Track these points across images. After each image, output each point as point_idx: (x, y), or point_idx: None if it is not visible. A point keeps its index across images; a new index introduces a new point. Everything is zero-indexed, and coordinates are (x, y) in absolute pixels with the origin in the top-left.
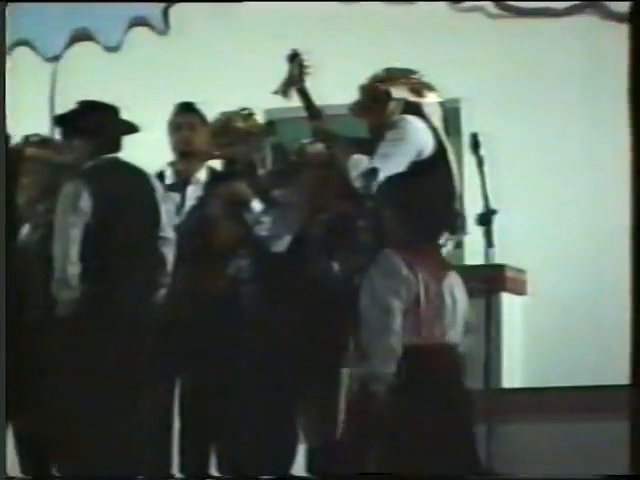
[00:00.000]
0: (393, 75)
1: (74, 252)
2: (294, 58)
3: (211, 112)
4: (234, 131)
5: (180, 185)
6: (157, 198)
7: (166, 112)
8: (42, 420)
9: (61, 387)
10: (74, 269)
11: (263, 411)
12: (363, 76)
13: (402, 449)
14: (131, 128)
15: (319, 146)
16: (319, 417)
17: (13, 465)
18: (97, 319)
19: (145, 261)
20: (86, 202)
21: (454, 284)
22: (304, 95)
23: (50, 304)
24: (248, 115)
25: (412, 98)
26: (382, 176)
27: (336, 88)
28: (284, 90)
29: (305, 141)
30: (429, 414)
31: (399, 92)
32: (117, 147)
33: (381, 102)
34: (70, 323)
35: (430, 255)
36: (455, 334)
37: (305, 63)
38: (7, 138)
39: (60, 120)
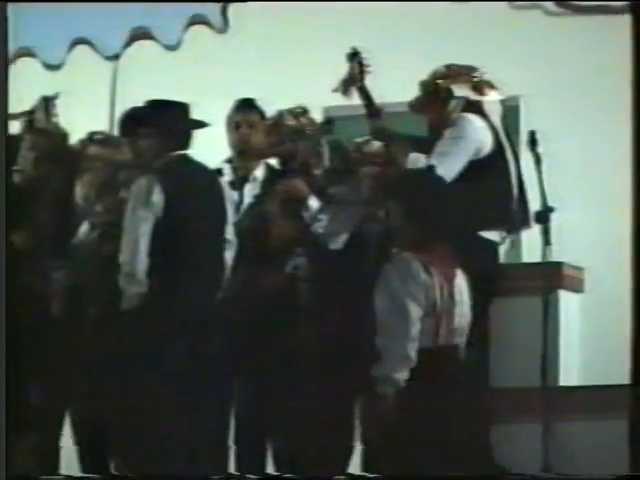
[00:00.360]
0: (454, 72)
1: (143, 247)
2: (354, 57)
3: (270, 109)
4: (285, 129)
5: (238, 183)
6: (225, 197)
7: (225, 110)
8: (103, 415)
9: (121, 381)
10: (143, 263)
11: (320, 409)
12: (422, 74)
13: (410, 451)
14: (199, 124)
15: (377, 144)
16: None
17: (69, 463)
18: (162, 314)
19: (211, 258)
20: (158, 197)
21: (462, 284)
22: (364, 93)
23: (111, 299)
24: (301, 112)
25: (473, 96)
26: (439, 174)
27: (395, 86)
28: (344, 88)
29: (363, 139)
30: (441, 417)
31: (460, 90)
32: (186, 144)
33: (442, 99)
34: (135, 317)
35: (443, 255)
36: (464, 335)
37: (365, 62)
38: (6, 138)
39: (130, 117)
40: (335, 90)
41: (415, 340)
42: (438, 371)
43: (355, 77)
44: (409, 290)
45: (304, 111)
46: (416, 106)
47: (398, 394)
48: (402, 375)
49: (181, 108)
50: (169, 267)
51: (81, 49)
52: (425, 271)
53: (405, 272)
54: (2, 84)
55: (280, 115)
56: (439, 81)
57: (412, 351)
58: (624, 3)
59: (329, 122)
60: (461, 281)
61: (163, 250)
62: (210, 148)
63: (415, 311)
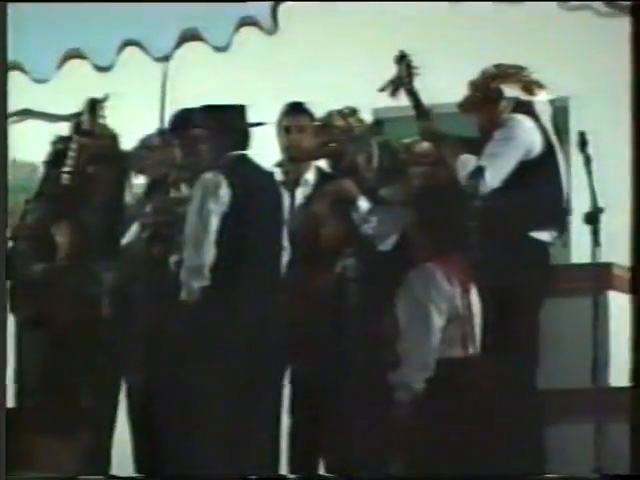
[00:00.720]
0: (504, 72)
1: (211, 241)
2: (402, 59)
3: (319, 111)
4: (334, 129)
5: (290, 186)
6: (282, 198)
7: (275, 111)
8: (160, 412)
9: (178, 376)
10: (209, 258)
11: (371, 411)
12: (471, 74)
13: (423, 457)
14: (257, 123)
15: (426, 144)
16: None
17: (121, 463)
18: (222, 309)
19: (269, 257)
20: (225, 191)
21: (475, 296)
22: (412, 95)
23: (163, 297)
24: (350, 113)
25: (523, 96)
26: (489, 175)
27: (444, 86)
28: (392, 90)
29: (412, 140)
30: (456, 425)
31: (511, 90)
32: (245, 144)
33: (492, 100)
34: (196, 311)
35: (460, 266)
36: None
37: (412, 64)
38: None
39: (183, 119)
40: (382, 89)
41: (435, 350)
42: (457, 380)
43: (403, 79)
44: (432, 298)
45: (353, 112)
46: (466, 106)
47: (415, 401)
48: (420, 384)
49: (239, 109)
50: (232, 263)
51: (131, 51)
52: (447, 281)
53: (429, 280)
54: (2, 84)
55: (329, 116)
56: (490, 80)
57: (431, 360)
58: None
59: (378, 123)
60: (475, 294)
61: (227, 245)
62: (260, 150)
63: (437, 320)
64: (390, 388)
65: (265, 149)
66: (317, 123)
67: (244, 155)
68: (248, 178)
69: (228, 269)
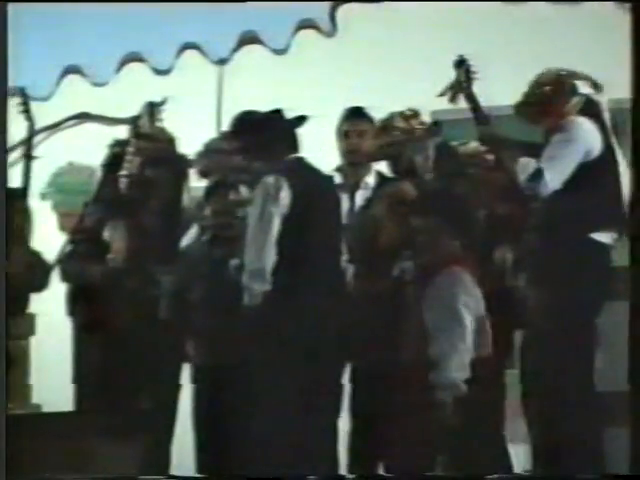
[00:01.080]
0: (564, 75)
1: (271, 244)
2: (461, 64)
3: (377, 114)
4: (395, 130)
5: (349, 189)
6: (340, 201)
7: (334, 115)
8: (222, 414)
9: (240, 379)
10: (270, 261)
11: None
12: (528, 77)
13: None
14: (301, 119)
15: (483, 148)
16: None
17: (180, 463)
18: (284, 313)
19: (329, 260)
20: (286, 194)
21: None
22: (471, 100)
23: (223, 299)
24: (412, 115)
25: (582, 99)
26: (549, 177)
27: (501, 89)
28: (451, 95)
29: (470, 142)
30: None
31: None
32: (296, 147)
33: (564, 95)
34: (258, 315)
35: (476, 269)
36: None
37: (472, 69)
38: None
39: (242, 123)
40: (441, 94)
41: (470, 348)
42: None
43: (462, 84)
44: (463, 299)
45: (415, 114)
46: (523, 109)
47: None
48: (460, 381)
49: (279, 113)
50: (293, 266)
51: (190, 54)
52: (474, 283)
53: (459, 284)
54: (2, 84)
55: (391, 117)
56: (560, 77)
57: (467, 357)
58: None
59: (437, 124)
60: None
61: (288, 249)
62: (319, 154)
63: (469, 320)
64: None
65: (321, 152)
66: (379, 124)
67: (302, 158)
68: (307, 181)
69: (289, 273)
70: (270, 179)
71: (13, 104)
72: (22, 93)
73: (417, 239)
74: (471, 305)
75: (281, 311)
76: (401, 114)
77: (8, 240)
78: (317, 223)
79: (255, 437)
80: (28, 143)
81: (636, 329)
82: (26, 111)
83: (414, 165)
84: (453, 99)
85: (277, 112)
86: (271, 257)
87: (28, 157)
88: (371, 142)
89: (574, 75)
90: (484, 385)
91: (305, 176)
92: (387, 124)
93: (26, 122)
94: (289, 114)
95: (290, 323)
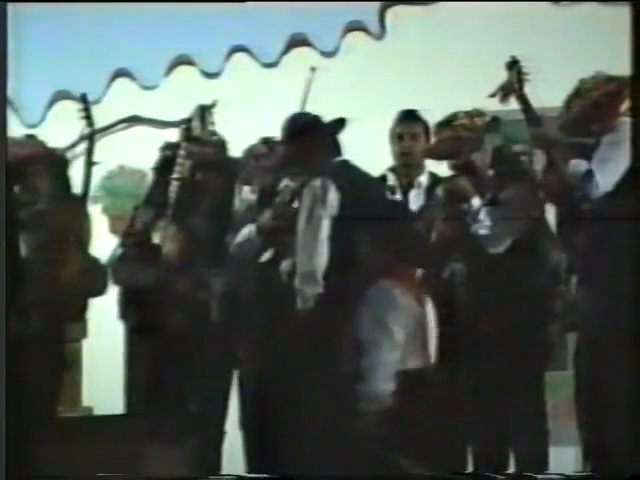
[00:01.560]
0: (615, 77)
1: (323, 247)
2: (513, 65)
3: (428, 117)
4: (457, 127)
5: (403, 188)
6: (389, 199)
7: (382, 116)
8: (274, 415)
9: (293, 381)
10: (322, 264)
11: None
12: (576, 78)
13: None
14: (341, 122)
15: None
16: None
17: (230, 463)
18: (336, 316)
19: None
20: (334, 195)
21: (431, 310)
22: (523, 101)
23: (275, 303)
24: (476, 114)
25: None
26: (600, 179)
27: (551, 90)
28: (502, 96)
29: (524, 145)
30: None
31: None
32: (339, 150)
33: (616, 98)
34: (310, 318)
35: (414, 281)
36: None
37: (524, 70)
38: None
39: (293, 126)
40: (492, 95)
41: (397, 361)
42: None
43: (514, 85)
44: (391, 313)
45: (479, 113)
46: (575, 110)
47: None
48: (385, 392)
49: (317, 117)
50: (343, 268)
51: (239, 57)
52: (405, 297)
53: (388, 298)
54: (2, 85)
55: (454, 115)
56: (598, 88)
57: (395, 369)
58: None
59: (495, 120)
60: (430, 307)
61: (339, 249)
62: (371, 156)
63: (400, 334)
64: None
65: (370, 155)
66: (440, 121)
67: (347, 161)
68: (355, 183)
69: (341, 275)
70: (317, 182)
71: (74, 109)
72: (83, 99)
73: (355, 252)
74: (401, 320)
75: (333, 314)
76: (466, 112)
77: (68, 245)
78: (366, 224)
79: (305, 439)
80: (89, 149)
81: None
82: (87, 117)
83: (472, 162)
84: (504, 100)
85: (318, 117)
86: (323, 260)
87: (89, 163)
88: (424, 147)
89: (624, 78)
90: (418, 395)
91: (353, 178)
92: (450, 120)
93: (87, 128)
94: (333, 117)
95: (342, 326)
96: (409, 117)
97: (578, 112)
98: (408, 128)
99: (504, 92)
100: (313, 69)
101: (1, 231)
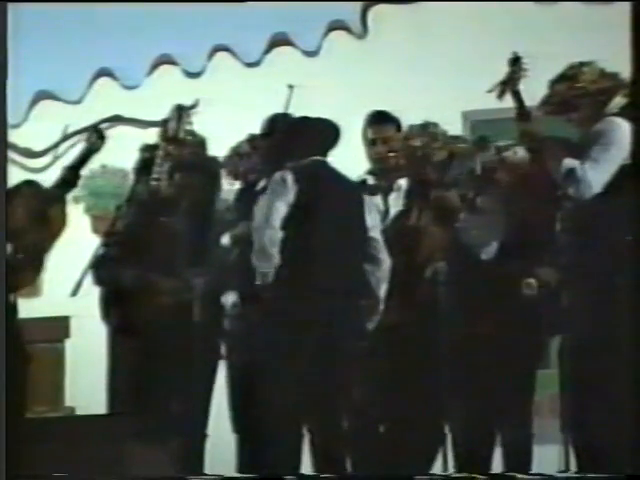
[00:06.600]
0: (604, 73)
1: (272, 226)
2: (515, 61)
3: (408, 117)
4: (420, 140)
5: (382, 191)
6: (361, 197)
7: (364, 117)
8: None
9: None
10: (275, 242)
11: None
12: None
13: None
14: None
15: (520, 149)
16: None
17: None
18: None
19: (345, 260)
20: (290, 183)
21: None
22: (517, 97)
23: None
24: (434, 126)
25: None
26: (591, 180)
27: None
28: (500, 91)
29: (508, 144)
30: None
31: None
32: (320, 151)
33: (614, 87)
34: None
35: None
36: None
37: (524, 66)
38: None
39: (275, 125)
40: (490, 91)
41: None
42: None
43: (513, 81)
44: None
45: (435, 125)
46: (564, 106)
47: None
48: None
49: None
50: (300, 249)
51: (221, 56)
52: None
53: None
54: (2, 85)
55: (414, 129)
56: (588, 83)
57: None
58: None
59: (483, 140)
60: None
61: (294, 230)
62: (351, 157)
63: None
64: None
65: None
66: (413, 130)
67: (321, 160)
68: (321, 180)
69: (295, 254)
70: (277, 175)
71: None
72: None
73: None
74: None
75: (289, 294)
76: (422, 127)
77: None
78: (331, 222)
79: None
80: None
81: None
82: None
83: (457, 175)
84: (501, 95)
85: (304, 117)
86: (275, 239)
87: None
88: (399, 155)
89: (605, 78)
90: None
91: (320, 175)
92: (410, 136)
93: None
94: (317, 116)
95: (299, 307)
96: (380, 120)
97: (560, 93)
98: (379, 132)
99: (503, 87)
100: (291, 87)
101: (1, 231)
